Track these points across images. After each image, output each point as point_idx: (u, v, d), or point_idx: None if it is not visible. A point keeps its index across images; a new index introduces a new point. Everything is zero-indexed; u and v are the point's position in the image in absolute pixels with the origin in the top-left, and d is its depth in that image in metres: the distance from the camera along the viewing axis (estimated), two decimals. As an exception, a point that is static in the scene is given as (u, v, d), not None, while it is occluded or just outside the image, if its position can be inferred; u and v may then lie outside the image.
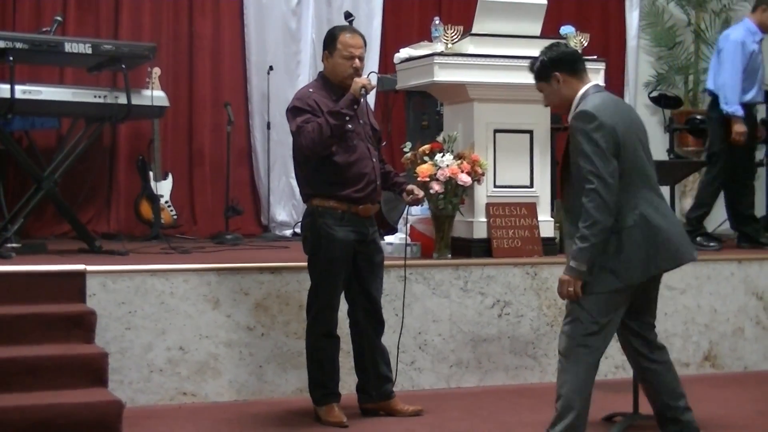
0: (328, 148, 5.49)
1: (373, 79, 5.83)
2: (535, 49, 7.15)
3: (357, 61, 5.62)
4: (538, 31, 7.40)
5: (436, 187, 6.69)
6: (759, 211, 9.76)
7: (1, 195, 8.41)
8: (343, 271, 5.63)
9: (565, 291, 4.74)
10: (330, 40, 5.69)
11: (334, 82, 5.67)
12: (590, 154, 4.56)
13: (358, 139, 5.63)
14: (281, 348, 6.34)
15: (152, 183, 8.97)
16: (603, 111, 4.63)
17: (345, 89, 5.58)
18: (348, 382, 6.03)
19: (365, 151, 5.65)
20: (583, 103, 4.70)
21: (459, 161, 6.80)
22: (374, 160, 5.70)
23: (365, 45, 5.77)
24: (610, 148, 4.57)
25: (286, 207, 9.86)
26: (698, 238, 8.31)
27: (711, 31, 11.22)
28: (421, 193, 5.93)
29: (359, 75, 5.63)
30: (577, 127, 4.63)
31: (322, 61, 5.80)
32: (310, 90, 5.70)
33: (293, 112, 5.59)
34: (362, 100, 5.62)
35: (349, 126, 5.54)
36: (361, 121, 5.68)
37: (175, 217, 9.21)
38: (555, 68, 4.81)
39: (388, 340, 6.00)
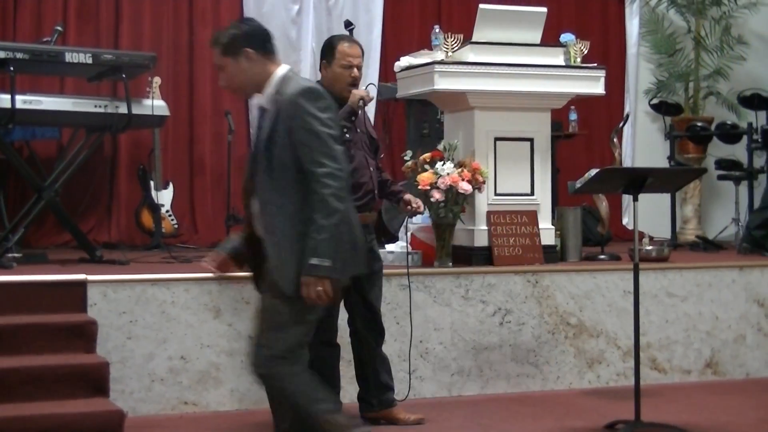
0: (325, 159, 5.49)
1: (372, 91, 5.84)
2: (535, 57, 7.28)
3: (355, 70, 5.63)
4: (538, 39, 7.40)
5: (436, 196, 6.69)
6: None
7: (2, 205, 8.43)
8: (343, 279, 5.62)
9: (314, 293, 4.12)
10: (328, 50, 5.70)
11: (331, 92, 5.67)
12: (322, 135, 4.09)
13: (356, 149, 5.63)
14: (282, 357, 6.33)
15: (153, 192, 8.97)
16: (324, 92, 4.24)
17: (343, 99, 5.58)
18: (349, 391, 6.02)
19: (363, 160, 5.65)
20: (294, 82, 4.22)
21: (460, 169, 6.80)
22: (372, 169, 5.70)
23: (363, 54, 5.77)
24: (337, 129, 4.18)
25: (286, 216, 9.84)
26: None
27: (711, 38, 11.23)
28: (421, 207, 5.95)
29: (357, 85, 5.64)
30: (302, 104, 4.12)
31: (320, 70, 5.80)
32: (308, 100, 5.69)
33: (291, 122, 5.59)
34: (360, 110, 5.61)
35: (347, 136, 5.54)
36: (359, 131, 5.69)
37: (176, 226, 9.21)
38: (247, 44, 4.32)
39: (389, 348, 6.00)
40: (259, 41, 4.35)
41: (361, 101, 5.54)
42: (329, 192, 4.06)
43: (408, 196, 5.92)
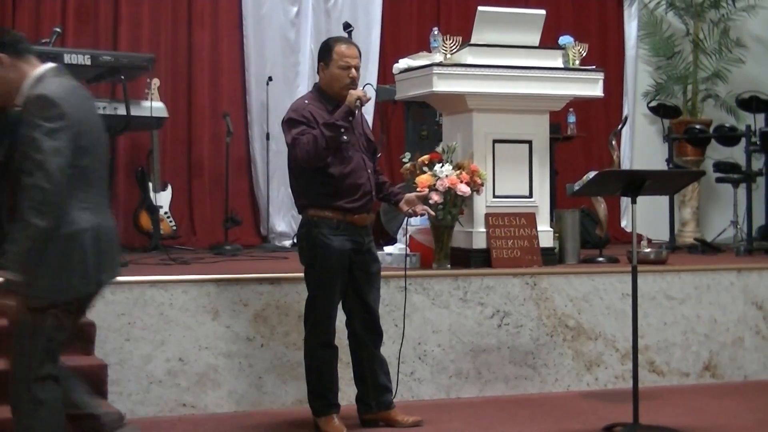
0: (323, 160, 5.49)
1: (369, 91, 5.83)
2: (533, 60, 7.29)
3: (353, 71, 5.63)
4: (536, 42, 7.41)
5: (435, 198, 6.69)
6: (758, 220, 9.78)
7: (1, 206, 8.41)
8: (340, 280, 5.63)
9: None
10: (325, 52, 5.70)
11: (329, 94, 5.68)
12: (40, 144, 3.94)
13: (354, 150, 5.63)
14: (281, 359, 6.34)
15: (151, 194, 8.97)
16: (65, 98, 4.09)
17: (340, 100, 5.58)
18: (348, 393, 6.02)
19: (360, 162, 5.65)
20: (40, 86, 4.12)
21: (458, 171, 6.80)
22: (369, 171, 5.70)
23: (361, 55, 5.77)
24: (66, 140, 4.00)
25: (285, 217, 9.86)
26: None
27: (709, 41, 11.23)
28: (425, 210, 5.94)
29: (355, 86, 5.64)
30: (31, 111, 4.02)
31: (318, 72, 5.80)
32: (306, 101, 5.70)
33: (289, 123, 5.59)
34: (357, 111, 5.61)
35: (345, 137, 5.54)
36: (356, 133, 5.68)
37: (174, 228, 9.21)
38: None
39: (387, 350, 6.00)
40: (10, 45, 4.25)
41: (358, 101, 5.54)
42: (29, 205, 3.92)
43: (410, 196, 5.92)
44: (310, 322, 5.69)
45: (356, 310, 5.75)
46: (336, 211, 5.57)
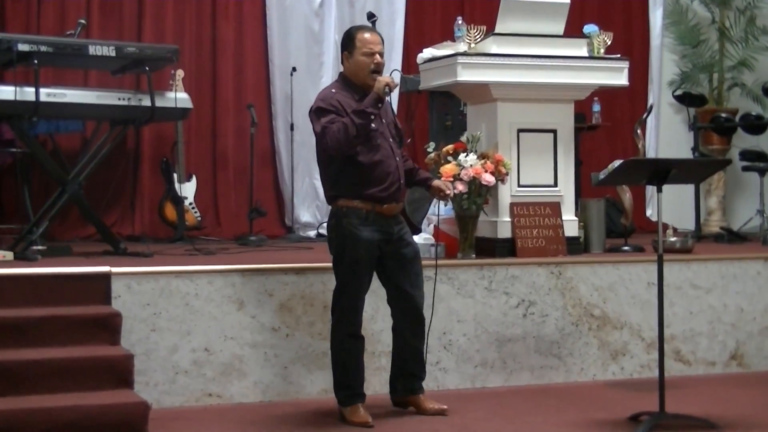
0: (353, 148, 5.48)
1: (396, 77, 5.82)
2: (558, 49, 7.26)
3: (378, 57, 5.62)
4: (561, 31, 7.38)
5: (459, 187, 6.68)
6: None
7: (27, 198, 8.47)
8: (369, 271, 5.63)
9: None
10: (348, 41, 5.70)
11: (355, 82, 5.67)
12: None
13: (382, 139, 5.63)
14: (306, 349, 6.35)
15: (176, 185, 9.00)
16: None
17: (367, 89, 5.58)
18: (373, 383, 6.03)
19: (389, 150, 5.64)
20: None
21: (483, 161, 6.79)
22: (398, 159, 5.70)
23: (383, 43, 5.76)
24: None
25: (309, 208, 9.88)
26: None
27: (735, 29, 11.17)
28: (450, 192, 5.95)
29: (380, 72, 5.63)
30: None
31: (342, 62, 5.79)
32: (333, 90, 5.69)
33: (317, 113, 5.58)
34: (386, 98, 5.60)
35: (373, 125, 5.54)
36: (384, 121, 5.68)
37: (199, 218, 9.23)
38: None
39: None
40: None
41: (386, 87, 5.52)
42: None
43: (437, 182, 5.93)
44: (337, 312, 5.70)
45: (394, 299, 5.78)
46: (366, 200, 5.56)
